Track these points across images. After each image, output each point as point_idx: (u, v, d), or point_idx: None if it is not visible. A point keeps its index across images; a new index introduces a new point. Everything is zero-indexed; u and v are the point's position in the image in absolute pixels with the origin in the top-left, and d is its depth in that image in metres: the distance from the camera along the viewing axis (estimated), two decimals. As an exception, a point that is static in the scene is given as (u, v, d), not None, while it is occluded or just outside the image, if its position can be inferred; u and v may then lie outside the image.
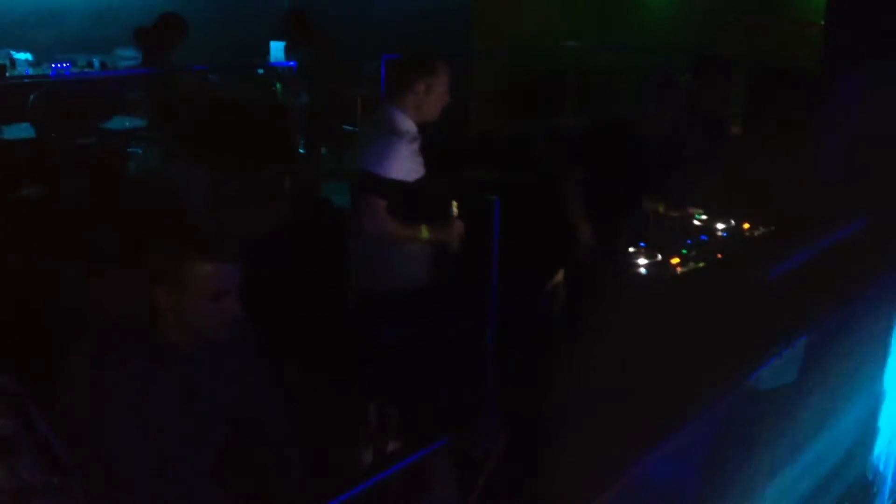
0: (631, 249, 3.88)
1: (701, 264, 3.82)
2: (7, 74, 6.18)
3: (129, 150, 5.34)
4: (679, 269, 3.77)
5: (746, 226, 4.23)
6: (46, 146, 5.02)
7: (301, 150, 6.33)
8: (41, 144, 5.09)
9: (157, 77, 6.73)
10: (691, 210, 4.31)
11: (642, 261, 3.80)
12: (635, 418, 2.47)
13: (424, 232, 3.52)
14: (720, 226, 4.23)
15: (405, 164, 3.49)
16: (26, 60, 6.50)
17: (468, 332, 3.01)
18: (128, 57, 7.91)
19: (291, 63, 7.09)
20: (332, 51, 7.27)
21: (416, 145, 3.55)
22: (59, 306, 3.06)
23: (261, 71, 7.60)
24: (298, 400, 2.64)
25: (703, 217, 4.29)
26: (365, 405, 2.81)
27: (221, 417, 2.40)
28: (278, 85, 7.40)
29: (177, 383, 2.27)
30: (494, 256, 2.63)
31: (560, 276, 3.57)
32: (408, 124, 3.56)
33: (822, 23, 7.22)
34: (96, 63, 6.90)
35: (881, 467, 3.30)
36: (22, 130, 5.61)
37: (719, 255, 3.94)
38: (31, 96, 5.72)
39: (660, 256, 3.84)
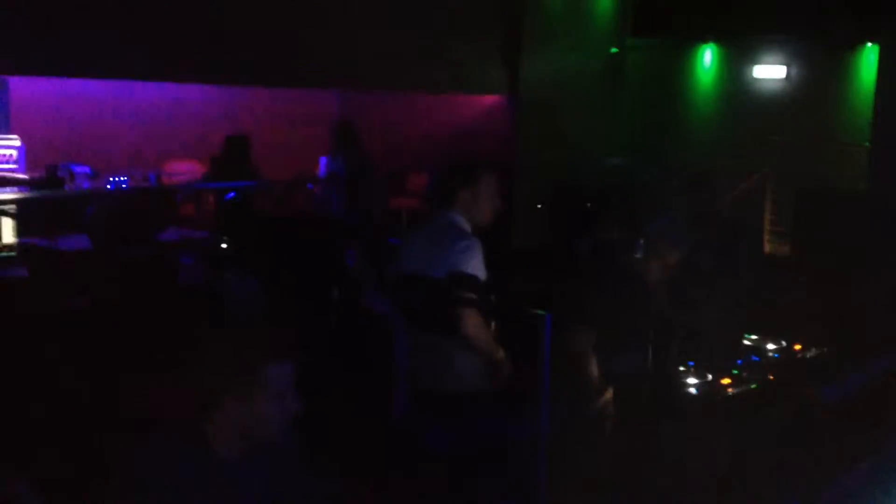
0: (681, 368, 3.84)
1: (753, 385, 3.76)
2: (66, 187, 6.38)
3: (181, 259, 5.47)
4: (730, 390, 3.71)
5: (798, 346, 4.17)
6: (102, 257, 5.16)
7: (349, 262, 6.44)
8: (97, 255, 5.23)
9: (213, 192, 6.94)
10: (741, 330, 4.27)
11: (692, 380, 3.75)
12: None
13: (501, 352, 3.47)
14: (770, 346, 4.18)
15: (484, 266, 3.53)
16: (85, 174, 6.70)
17: (519, 443, 2.98)
18: (180, 172, 8.20)
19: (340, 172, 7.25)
20: (367, 160, 7.40)
21: None
22: (111, 414, 3.09)
23: (310, 186, 7.77)
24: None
25: (753, 337, 4.25)
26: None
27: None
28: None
29: (223, 492, 2.26)
30: (546, 372, 2.62)
31: (609, 393, 3.53)
32: (468, 226, 3.63)
33: (867, 144, 7.26)
34: (152, 177, 7.10)
35: None
36: (79, 241, 5.76)
37: (771, 377, 3.88)
38: (89, 208, 5.90)
39: (710, 376, 3.79)
